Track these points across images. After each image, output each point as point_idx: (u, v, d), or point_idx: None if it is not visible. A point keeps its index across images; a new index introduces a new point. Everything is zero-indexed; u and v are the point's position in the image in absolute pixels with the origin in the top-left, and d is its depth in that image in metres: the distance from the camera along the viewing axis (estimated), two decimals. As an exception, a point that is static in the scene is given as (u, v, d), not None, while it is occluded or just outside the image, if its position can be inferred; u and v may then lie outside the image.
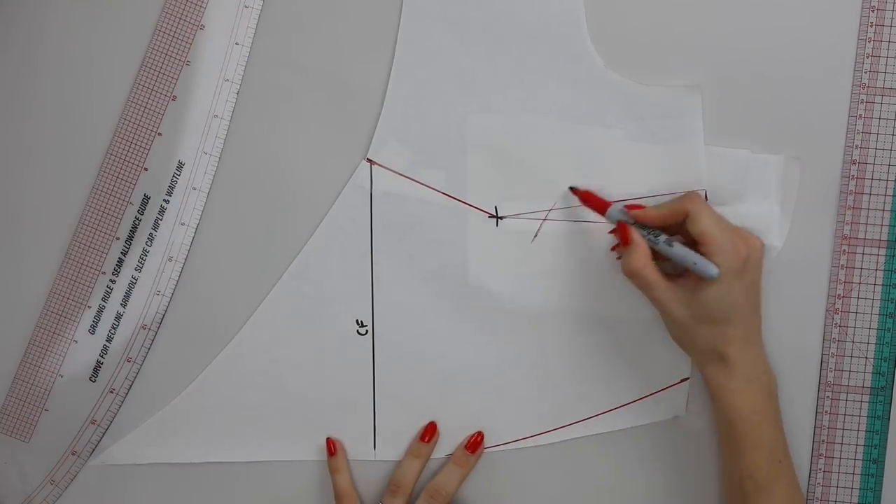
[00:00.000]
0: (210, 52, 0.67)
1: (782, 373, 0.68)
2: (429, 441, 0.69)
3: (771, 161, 0.66)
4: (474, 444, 0.70)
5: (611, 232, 0.67)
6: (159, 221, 0.68)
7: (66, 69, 0.67)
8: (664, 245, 0.62)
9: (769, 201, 0.66)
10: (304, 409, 0.70)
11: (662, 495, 0.71)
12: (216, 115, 0.67)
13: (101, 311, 0.69)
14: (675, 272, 0.63)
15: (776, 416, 0.64)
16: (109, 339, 0.69)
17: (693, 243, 0.61)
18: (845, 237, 0.67)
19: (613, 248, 0.67)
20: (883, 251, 0.67)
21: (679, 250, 0.61)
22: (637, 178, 0.67)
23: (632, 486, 0.71)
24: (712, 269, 0.60)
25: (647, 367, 0.69)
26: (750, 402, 0.62)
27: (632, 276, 0.62)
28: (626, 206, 0.64)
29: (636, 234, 0.62)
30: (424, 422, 0.70)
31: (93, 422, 0.70)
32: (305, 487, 0.71)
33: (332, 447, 0.70)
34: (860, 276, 0.68)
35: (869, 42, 0.66)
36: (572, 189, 0.66)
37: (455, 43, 0.66)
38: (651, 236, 0.62)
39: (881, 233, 0.67)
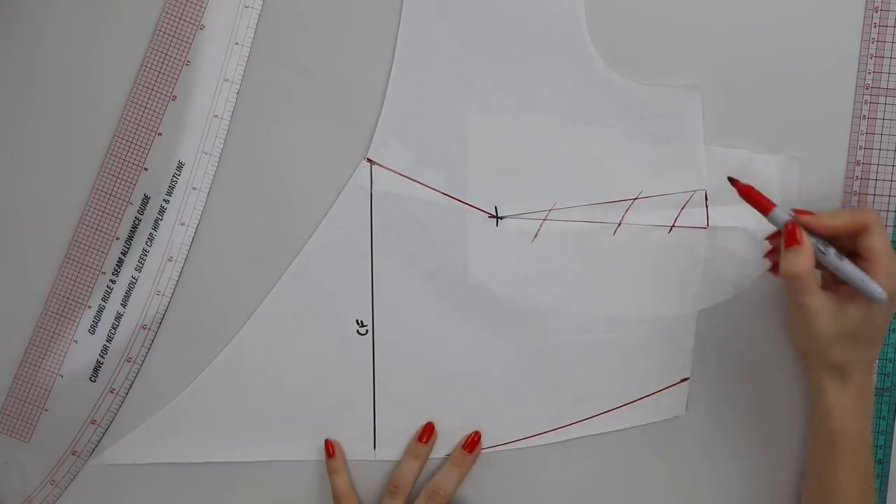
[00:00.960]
0: (210, 52, 0.67)
1: (787, 374, 0.68)
2: (427, 441, 0.69)
3: (771, 161, 0.66)
4: (471, 443, 0.69)
5: (768, 238, 0.65)
6: (159, 221, 0.68)
7: (66, 69, 0.67)
8: (834, 258, 0.59)
9: (769, 201, 0.66)
10: (304, 409, 0.70)
11: (662, 495, 0.70)
12: (216, 115, 0.67)
13: (101, 311, 0.69)
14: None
15: (872, 442, 0.64)
16: (109, 339, 0.69)
17: (853, 257, 0.60)
18: (849, 237, 0.67)
19: (767, 255, 0.65)
20: (887, 252, 0.67)
21: (848, 266, 0.59)
22: (637, 178, 0.67)
23: (632, 486, 0.70)
24: (880, 292, 0.58)
25: (647, 367, 0.69)
26: (860, 424, 0.62)
27: (791, 277, 0.58)
28: (795, 211, 0.60)
29: (807, 237, 0.59)
30: (424, 422, 0.70)
31: (93, 422, 0.70)
32: (305, 487, 0.71)
33: (329, 449, 0.70)
34: (863, 276, 0.67)
35: (872, 42, 0.65)
36: (731, 180, 0.62)
37: (455, 43, 0.66)
38: (820, 245, 0.59)
39: (885, 233, 0.67)
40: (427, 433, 0.69)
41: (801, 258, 0.58)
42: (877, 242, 0.58)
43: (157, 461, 0.71)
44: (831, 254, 0.59)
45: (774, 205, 0.60)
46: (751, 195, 0.61)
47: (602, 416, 0.69)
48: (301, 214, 0.68)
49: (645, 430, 0.69)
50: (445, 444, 0.70)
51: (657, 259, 0.66)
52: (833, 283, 0.61)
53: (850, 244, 0.60)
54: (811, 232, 0.59)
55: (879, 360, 0.68)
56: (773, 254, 0.65)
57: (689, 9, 0.65)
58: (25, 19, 0.67)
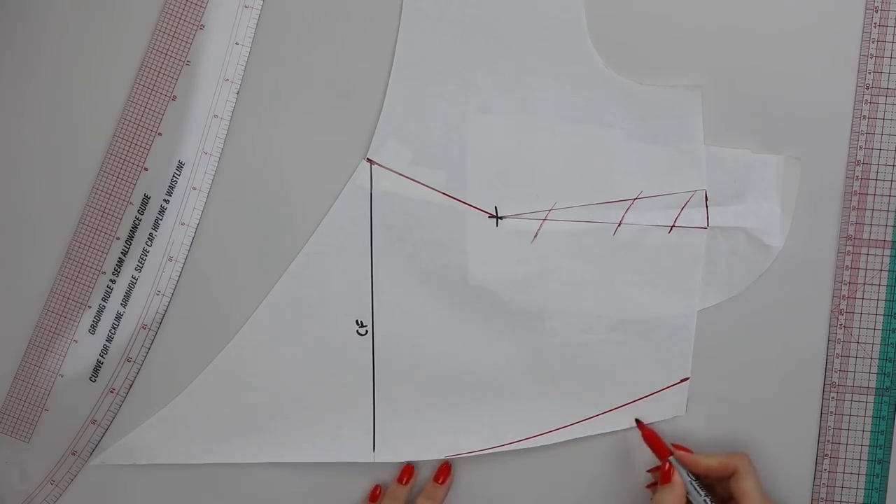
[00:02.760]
0: (210, 52, 0.67)
1: (787, 374, 0.68)
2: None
3: (771, 161, 0.66)
4: (443, 473, 0.70)
5: (650, 470, 0.69)
6: (159, 221, 0.68)
7: (66, 69, 0.67)
8: (703, 502, 0.64)
9: (769, 201, 0.66)
10: (304, 409, 0.70)
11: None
12: (216, 115, 0.67)
13: (101, 311, 0.69)
14: None
15: None
16: (109, 339, 0.69)
17: (724, 501, 0.66)
18: (849, 238, 0.67)
19: (649, 486, 0.70)
20: (888, 252, 0.67)
21: None
22: (637, 178, 0.67)
23: (632, 487, 0.70)
24: None
25: (647, 367, 0.69)
26: None
27: None
28: (675, 445, 0.66)
29: (678, 477, 0.65)
30: (424, 422, 0.70)
31: (93, 422, 0.70)
32: (305, 488, 0.71)
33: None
34: (864, 276, 0.68)
35: (873, 42, 0.65)
36: (637, 421, 0.69)
37: (455, 43, 0.66)
38: (696, 486, 0.64)
39: (885, 233, 0.67)
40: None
41: (672, 497, 0.64)
42: (748, 487, 0.63)
43: (157, 461, 0.71)
44: (703, 496, 0.64)
45: (671, 453, 0.66)
46: (652, 440, 0.67)
47: (602, 416, 0.69)
48: (301, 214, 0.68)
49: (645, 430, 0.70)
50: (443, 445, 0.70)
51: (657, 259, 0.66)
52: None
53: (727, 486, 0.65)
54: (689, 469, 0.65)
55: (879, 360, 0.68)
56: (654, 486, 0.69)
57: (689, 9, 0.65)
58: (25, 19, 0.67)
